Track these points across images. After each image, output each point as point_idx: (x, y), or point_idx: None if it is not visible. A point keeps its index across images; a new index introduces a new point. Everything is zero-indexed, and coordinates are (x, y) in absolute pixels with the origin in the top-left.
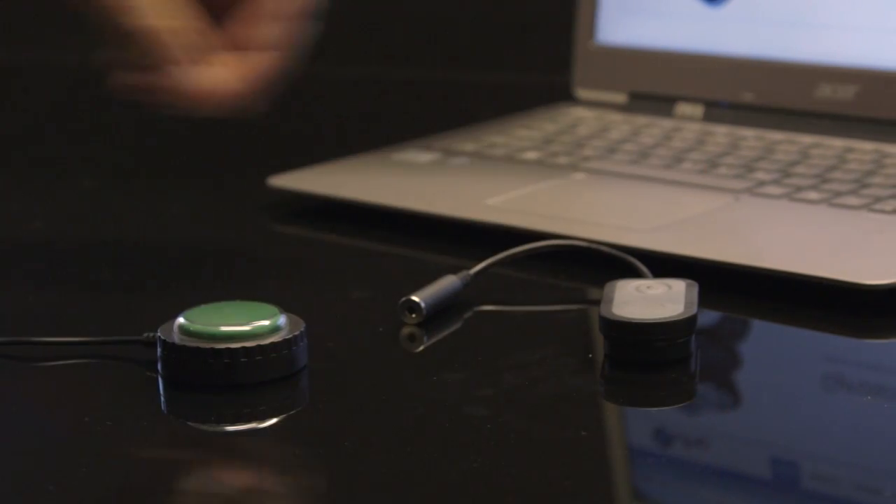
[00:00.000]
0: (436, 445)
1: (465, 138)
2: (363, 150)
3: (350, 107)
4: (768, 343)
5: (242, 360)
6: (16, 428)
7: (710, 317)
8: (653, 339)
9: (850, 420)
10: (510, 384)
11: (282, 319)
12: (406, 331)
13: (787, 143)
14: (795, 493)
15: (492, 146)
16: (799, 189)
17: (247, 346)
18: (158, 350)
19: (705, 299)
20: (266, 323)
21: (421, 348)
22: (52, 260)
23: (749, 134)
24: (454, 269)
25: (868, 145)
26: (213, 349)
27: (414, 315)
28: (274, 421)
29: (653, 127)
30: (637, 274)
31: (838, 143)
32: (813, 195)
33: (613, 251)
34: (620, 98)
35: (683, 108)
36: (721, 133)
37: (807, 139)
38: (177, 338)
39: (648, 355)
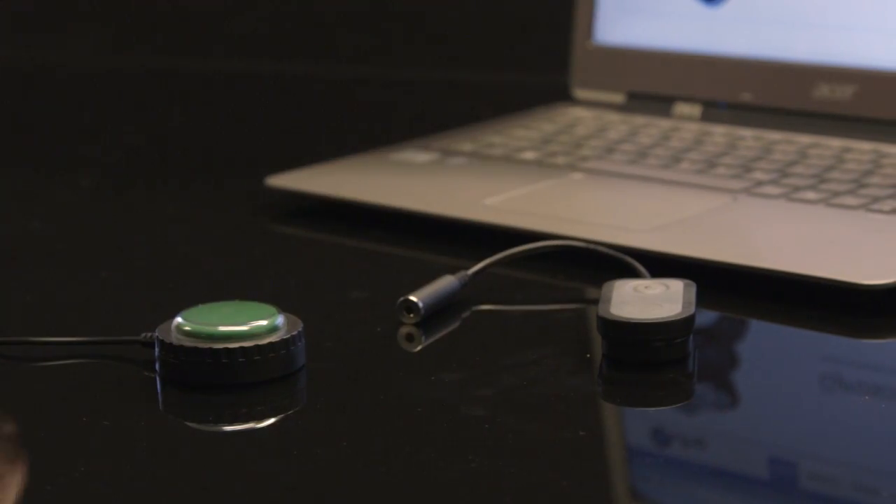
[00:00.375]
0: (434, 445)
1: (464, 138)
2: (361, 150)
3: (348, 107)
4: (766, 343)
5: (240, 359)
6: (13, 427)
7: (707, 317)
8: (651, 339)
9: (847, 420)
10: (508, 384)
11: (280, 319)
12: (404, 331)
13: (786, 143)
14: (793, 492)
15: (490, 146)
16: (797, 189)
17: (245, 346)
18: (156, 350)
19: (703, 299)
20: (264, 323)
21: (419, 348)
22: (50, 260)
23: (747, 134)
24: (452, 269)
25: (866, 145)
26: (210, 349)
27: (412, 315)
28: (272, 421)
29: (651, 127)
30: (635, 274)
31: (836, 143)
32: (811, 195)
33: (611, 251)
34: (618, 98)
35: (681, 108)
36: (719, 133)
37: (805, 139)
38: (175, 338)
39: (646, 355)
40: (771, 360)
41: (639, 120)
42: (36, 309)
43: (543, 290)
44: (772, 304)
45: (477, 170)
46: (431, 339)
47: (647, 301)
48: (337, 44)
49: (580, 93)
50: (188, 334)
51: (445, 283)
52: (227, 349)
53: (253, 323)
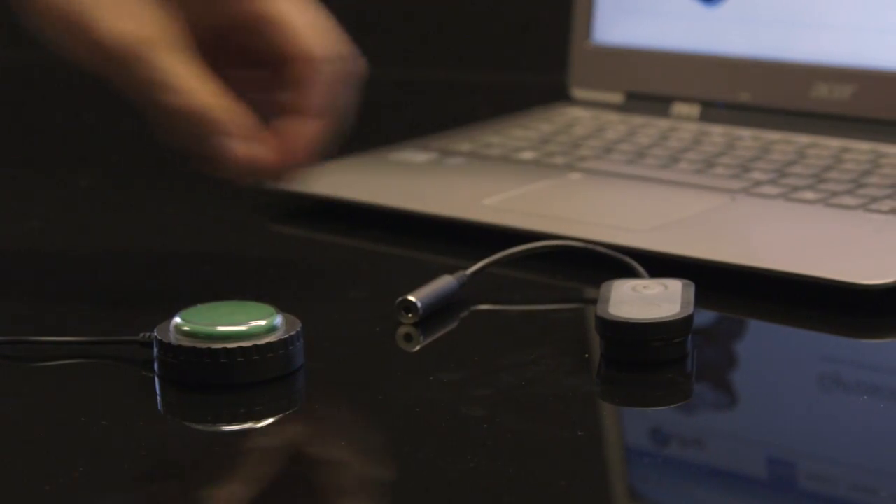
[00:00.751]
0: (432, 445)
1: (462, 138)
2: (359, 150)
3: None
4: (765, 343)
5: (239, 359)
6: (11, 428)
7: (706, 317)
8: (649, 339)
9: (846, 420)
10: (506, 384)
11: (278, 319)
12: (402, 331)
13: (784, 142)
14: (792, 492)
15: (488, 146)
16: (795, 189)
17: (243, 345)
18: (155, 350)
19: (702, 299)
20: (262, 323)
21: (417, 348)
22: (49, 259)
23: (745, 134)
24: (451, 269)
25: (864, 145)
26: (209, 349)
27: (410, 315)
28: (270, 421)
29: (649, 127)
30: (633, 274)
31: (835, 142)
32: (809, 195)
33: (610, 252)
34: (617, 98)
35: (680, 108)
36: (717, 133)
37: (803, 139)
38: (173, 338)
39: (645, 355)
40: (769, 360)
41: (637, 120)
42: (34, 308)
43: (542, 290)
44: (770, 303)
45: (475, 170)
46: (430, 339)
47: (645, 301)
48: None
49: (578, 93)
50: (187, 334)
51: (444, 283)
52: (225, 349)
53: (251, 323)
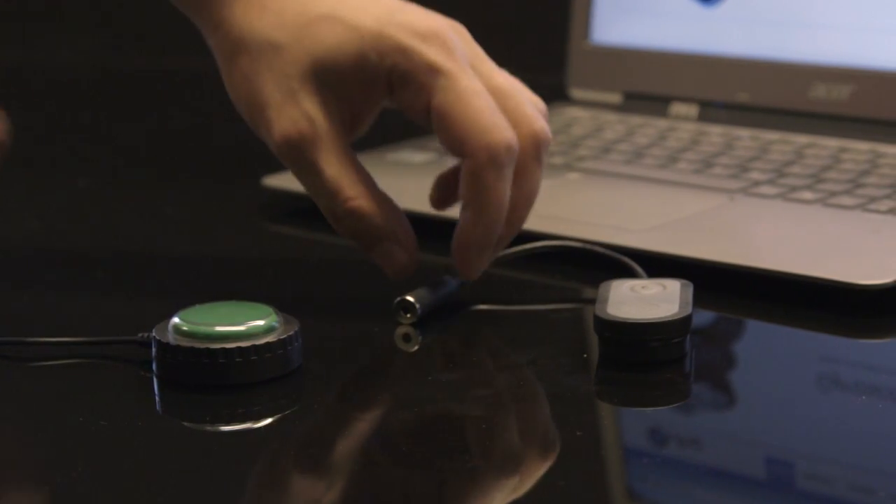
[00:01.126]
0: (431, 445)
1: None
2: (358, 150)
3: None
4: (763, 343)
5: (237, 359)
6: (11, 428)
7: (704, 317)
8: (648, 339)
9: (844, 420)
10: (506, 384)
11: (276, 319)
12: (401, 331)
13: (782, 142)
14: (790, 492)
15: None
16: (794, 189)
17: (241, 345)
18: (153, 350)
19: (700, 299)
20: (261, 323)
21: (416, 348)
22: (47, 260)
23: (744, 134)
24: (450, 270)
25: (863, 145)
26: (207, 349)
27: (409, 315)
28: (268, 421)
29: (647, 127)
30: (632, 274)
31: (833, 143)
32: (808, 195)
33: (608, 252)
34: (615, 98)
35: (678, 108)
36: (716, 133)
37: (801, 139)
38: (171, 338)
39: (643, 355)
40: (768, 360)
41: (635, 120)
42: (32, 309)
43: (540, 290)
44: (768, 303)
45: None
46: (428, 340)
47: (644, 301)
48: None
49: (577, 93)
50: (185, 334)
51: (442, 283)
52: (223, 349)
53: (250, 323)
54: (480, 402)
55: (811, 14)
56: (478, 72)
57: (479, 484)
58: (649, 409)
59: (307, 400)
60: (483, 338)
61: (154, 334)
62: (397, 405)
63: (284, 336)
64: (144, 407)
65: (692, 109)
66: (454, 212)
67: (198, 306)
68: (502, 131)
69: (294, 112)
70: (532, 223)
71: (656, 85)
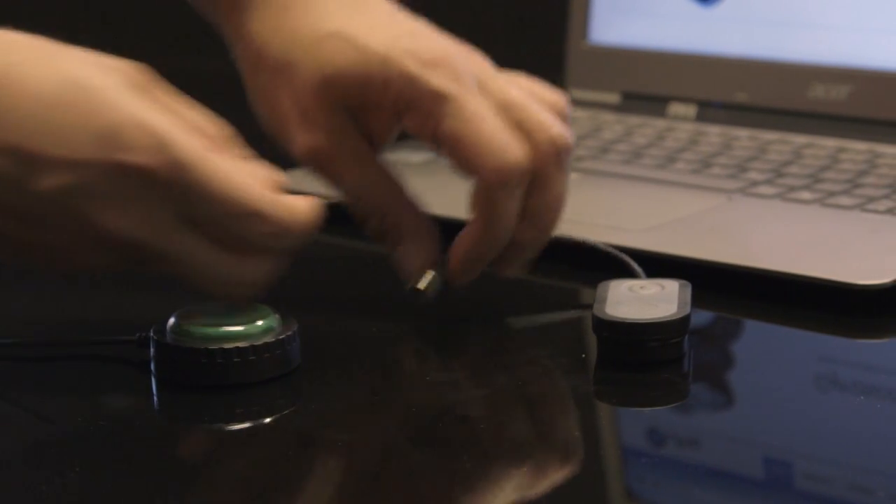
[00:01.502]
0: (430, 445)
1: None
2: None
3: None
4: (761, 343)
5: (236, 359)
6: (10, 427)
7: (703, 317)
8: (646, 340)
9: (843, 420)
10: (504, 384)
11: (275, 319)
12: (401, 331)
13: (780, 143)
14: (788, 492)
15: None
16: (792, 189)
17: (240, 346)
18: (152, 350)
19: (698, 299)
20: (259, 323)
21: (415, 348)
22: None
23: (742, 134)
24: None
25: (861, 145)
26: (206, 349)
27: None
28: (267, 421)
29: (646, 127)
30: (630, 273)
31: (831, 143)
32: (806, 195)
33: (606, 247)
34: (613, 98)
35: (676, 108)
36: (714, 133)
37: (800, 139)
38: (170, 338)
39: (642, 355)
40: (766, 360)
41: (634, 120)
42: (32, 308)
43: (539, 290)
44: (767, 304)
45: None
46: (427, 340)
47: (642, 301)
48: None
49: (575, 93)
50: (183, 334)
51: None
52: (222, 349)
53: (248, 323)
54: (479, 402)
55: (809, 14)
56: (488, 90)
57: (477, 484)
58: (647, 409)
59: (306, 400)
60: (482, 338)
61: (152, 334)
62: (395, 405)
63: (283, 336)
64: (143, 407)
65: (690, 109)
66: (451, 212)
67: (196, 306)
68: (511, 152)
69: (311, 128)
70: None
71: (654, 85)
